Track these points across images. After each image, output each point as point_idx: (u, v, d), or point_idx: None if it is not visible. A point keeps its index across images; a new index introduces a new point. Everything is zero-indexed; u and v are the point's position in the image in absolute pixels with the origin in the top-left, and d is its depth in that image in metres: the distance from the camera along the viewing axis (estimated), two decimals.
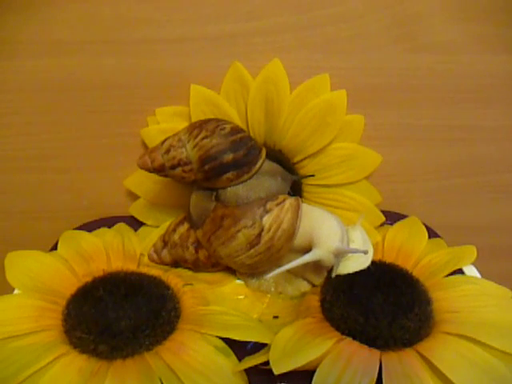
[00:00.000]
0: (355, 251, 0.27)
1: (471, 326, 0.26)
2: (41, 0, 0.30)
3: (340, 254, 0.27)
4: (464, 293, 0.29)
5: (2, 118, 0.34)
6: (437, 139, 0.36)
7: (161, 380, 0.23)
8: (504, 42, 0.33)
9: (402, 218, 0.37)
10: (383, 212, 0.37)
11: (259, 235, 0.28)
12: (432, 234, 0.36)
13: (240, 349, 0.26)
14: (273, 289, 0.31)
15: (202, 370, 0.24)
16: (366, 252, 0.27)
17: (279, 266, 0.30)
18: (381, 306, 0.28)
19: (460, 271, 0.32)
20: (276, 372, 0.23)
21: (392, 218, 0.37)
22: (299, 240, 0.28)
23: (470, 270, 0.33)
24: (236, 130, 0.30)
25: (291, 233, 0.28)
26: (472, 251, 0.33)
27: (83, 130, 0.34)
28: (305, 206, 0.29)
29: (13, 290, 0.29)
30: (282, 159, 0.34)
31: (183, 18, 0.31)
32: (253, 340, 0.26)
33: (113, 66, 0.32)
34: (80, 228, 0.36)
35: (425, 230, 0.35)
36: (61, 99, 0.33)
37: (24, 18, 0.31)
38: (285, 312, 0.30)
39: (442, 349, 0.25)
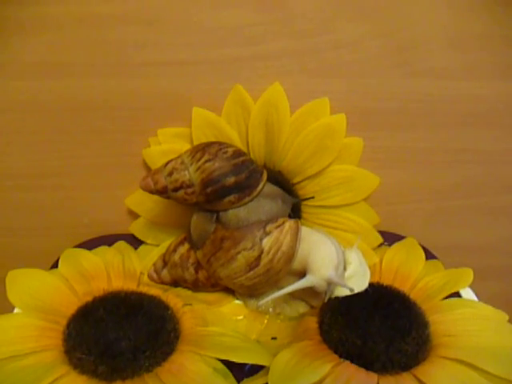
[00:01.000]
0: (345, 286, 0.28)
1: (468, 351, 0.26)
2: (47, 23, 0.31)
3: (333, 283, 0.28)
4: (461, 316, 0.30)
5: (4, 137, 0.35)
6: (434, 162, 0.37)
7: None
8: (499, 68, 0.33)
9: (400, 239, 0.37)
10: (381, 233, 0.37)
11: (259, 257, 0.29)
12: (429, 255, 0.36)
13: (238, 370, 0.26)
14: (271, 310, 0.32)
15: None
16: (352, 290, 0.28)
17: (278, 288, 0.30)
18: (378, 329, 0.28)
19: (457, 294, 0.33)
20: None
21: (390, 238, 0.37)
22: (296, 263, 0.29)
23: (467, 293, 0.33)
24: (238, 153, 0.30)
25: (290, 255, 0.29)
26: (469, 274, 0.33)
27: (85, 150, 0.35)
28: (304, 229, 0.30)
29: (13, 308, 0.29)
30: (281, 180, 0.35)
31: (186, 43, 0.32)
32: (251, 362, 0.26)
33: (116, 88, 0.33)
34: (80, 246, 0.36)
35: (422, 251, 0.36)
36: (64, 119, 0.34)
37: (30, 41, 0.31)
38: (283, 333, 0.30)
39: (439, 373, 0.25)
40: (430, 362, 0.26)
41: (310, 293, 0.29)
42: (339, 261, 0.28)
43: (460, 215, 0.39)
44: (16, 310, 0.29)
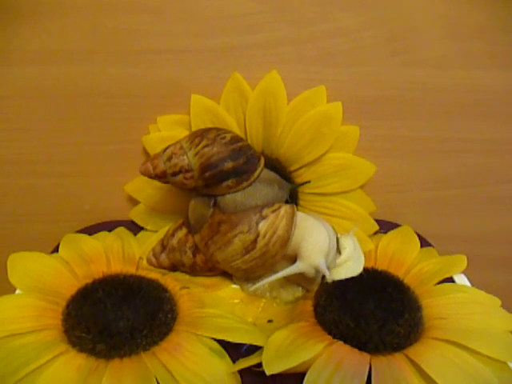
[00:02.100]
0: (330, 276, 0.28)
1: (459, 332, 0.27)
2: (48, 11, 0.31)
3: (320, 271, 0.28)
4: (453, 300, 0.30)
5: (7, 123, 0.35)
6: (431, 151, 0.37)
7: (156, 379, 0.24)
8: (495, 58, 0.34)
9: (396, 227, 0.38)
10: (377, 221, 0.38)
11: (255, 241, 0.29)
12: (424, 243, 0.37)
13: (235, 351, 0.27)
14: (268, 294, 0.32)
15: (197, 370, 0.25)
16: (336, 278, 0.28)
17: (274, 272, 0.30)
18: (372, 311, 0.28)
19: (450, 280, 0.33)
20: (268, 372, 0.23)
21: (386, 226, 0.38)
22: (290, 248, 0.29)
23: (461, 279, 0.34)
24: (236, 139, 0.31)
25: (286, 239, 0.29)
26: (462, 260, 0.34)
27: (86, 137, 0.35)
28: (299, 215, 0.30)
29: (14, 289, 0.30)
30: (279, 167, 0.35)
31: (185, 31, 0.32)
32: (247, 342, 0.27)
33: (116, 75, 0.33)
34: (81, 231, 0.36)
35: (417, 239, 0.36)
36: (65, 106, 0.34)
37: (33, 28, 0.32)
38: (279, 316, 0.31)
39: (430, 353, 0.26)
40: (421, 343, 0.27)
41: (303, 278, 0.30)
42: (330, 248, 0.29)
43: (457, 205, 0.39)
44: (17, 292, 0.30)
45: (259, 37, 0.33)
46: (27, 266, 0.31)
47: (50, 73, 0.33)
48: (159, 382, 0.24)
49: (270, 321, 0.31)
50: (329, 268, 0.29)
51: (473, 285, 0.34)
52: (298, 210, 0.36)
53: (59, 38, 0.32)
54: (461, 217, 0.40)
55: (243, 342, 0.27)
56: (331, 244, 0.29)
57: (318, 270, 0.28)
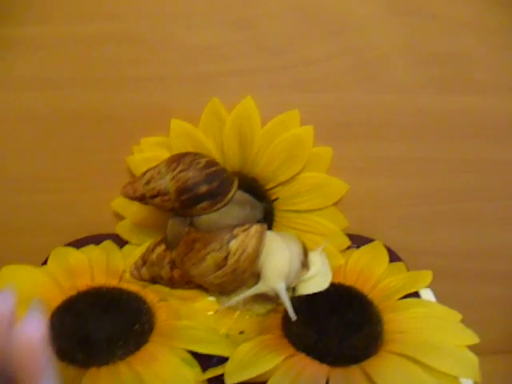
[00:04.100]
0: (288, 304, 0.30)
1: (414, 347, 0.29)
2: (39, 42, 0.34)
3: (279, 295, 0.30)
4: (414, 315, 0.32)
5: (2, 144, 0.38)
6: (400, 170, 0.39)
7: None
8: (458, 83, 0.36)
9: (369, 242, 0.40)
10: (351, 236, 0.39)
11: (226, 258, 0.31)
12: (394, 257, 0.38)
13: (206, 362, 0.29)
14: (241, 306, 0.34)
15: (168, 379, 0.27)
16: (293, 316, 0.30)
17: (246, 286, 0.33)
18: (334, 325, 0.30)
19: (416, 294, 0.35)
20: (228, 383, 0.25)
21: (358, 241, 0.40)
22: (258, 265, 0.31)
23: (427, 293, 0.36)
24: (211, 163, 0.33)
25: (255, 257, 0.31)
26: (427, 276, 0.35)
27: (76, 156, 0.38)
28: (269, 235, 0.32)
29: None
30: (255, 186, 0.37)
31: (166, 59, 0.34)
32: (215, 353, 0.29)
33: (102, 100, 0.36)
34: (70, 244, 0.39)
35: (386, 254, 0.38)
36: (56, 128, 0.37)
37: (25, 57, 0.34)
38: (250, 328, 0.33)
39: (384, 367, 0.28)
40: (378, 357, 0.29)
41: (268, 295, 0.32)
42: (291, 270, 0.30)
43: (426, 220, 0.41)
44: None
45: (235, 65, 0.35)
46: (17, 279, 0.33)
47: (40, 98, 0.36)
48: None
49: (241, 332, 0.33)
50: (289, 288, 0.31)
51: (439, 297, 0.35)
52: (274, 225, 0.39)
53: (49, 66, 0.35)
54: (431, 232, 0.41)
55: (213, 353, 0.29)
56: (293, 266, 0.31)
57: (276, 293, 0.30)
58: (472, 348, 0.29)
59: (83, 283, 0.34)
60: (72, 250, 0.37)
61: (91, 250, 0.37)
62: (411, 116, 0.37)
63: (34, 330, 0.16)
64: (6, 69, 0.35)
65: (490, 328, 0.47)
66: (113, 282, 0.35)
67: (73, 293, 0.33)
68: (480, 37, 0.34)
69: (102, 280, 0.35)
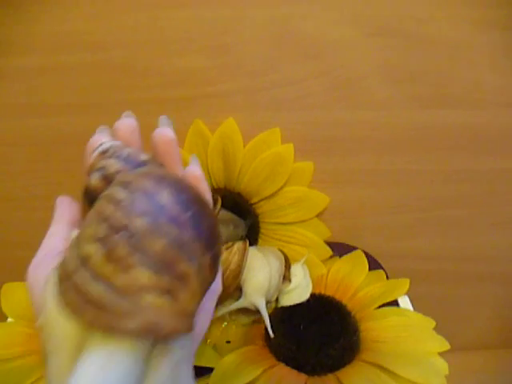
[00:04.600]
0: (267, 320, 0.32)
1: (386, 356, 0.31)
2: (31, 70, 0.36)
3: (259, 310, 0.32)
4: (390, 324, 0.34)
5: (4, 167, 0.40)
6: (379, 182, 0.40)
7: None
8: (433, 99, 0.37)
9: (350, 250, 0.41)
10: (334, 244, 0.41)
11: None
12: (375, 265, 0.40)
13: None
14: (228, 316, 0.36)
15: None
16: (271, 334, 0.31)
17: (233, 299, 0.35)
18: (313, 336, 0.33)
19: (394, 301, 0.37)
20: None
21: (340, 250, 0.41)
22: (241, 280, 0.33)
23: (404, 300, 0.38)
24: None
25: (238, 273, 0.33)
26: (405, 284, 0.37)
27: (66, 177, 0.39)
28: (251, 251, 0.34)
29: (6, 318, 0.35)
30: (240, 201, 0.39)
31: (149, 84, 0.36)
32: (201, 365, 0.31)
33: (90, 124, 0.37)
34: None
35: (366, 263, 0.40)
36: (47, 152, 0.39)
37: (14, 86, 0.36)
38: (236, 337, 0.35)
39: (357, 376, 0.30)
40: (353, 366, 0.31)
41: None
42: (271, 286, 0.32)
43: (407, 227, 0.43)
44: (9, 320, 0.34)
45: (215, 88, 0.36)
46: (18, 296, 0.36)
47: (33, 124, 0.37)
48: None
49: (228, 342, 0.35)
50: (270, 301, 0.33)
51: (419, 299, 0.37)
52: (259, 237, 0.41)
53: (38, 94, 0.36)
54: (409, 238, 0.43)
55: (199, 364, 0.31)
56: (272, 282, 0.33)
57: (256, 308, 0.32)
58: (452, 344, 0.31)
59: None
60: None
61: None
62: (388, 131, 0.38)
63: (167, 131, 0.24)
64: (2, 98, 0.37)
65: (466, 326, 0.49)
66: None
67: None
68: (453, 54, 0.35)
69: None
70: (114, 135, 0.24)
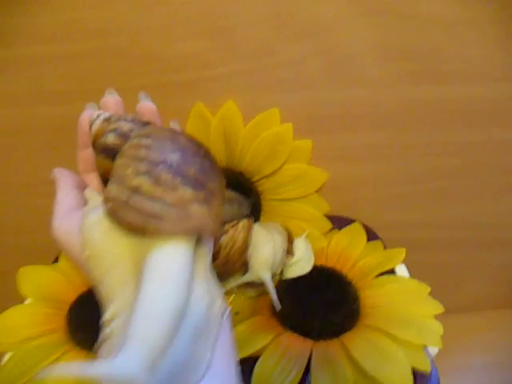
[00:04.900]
0: (273, 293, 0.33)
1: (385, 320, 0.33)
2: (36, 59, 0.36)
3: (265, 283, 0.34)
4: (388, 291, 0.36)
5: (9, 155, 0.41)
6: (375, 156, 0.42)
7: None
8: (426, 76, 0.38)
9: (349, 223, 0.43)
10: (332, 217, 0.43)
11: (218, 252, 0.35)
12: (372, 236, 0.42)
13: None
14: (236, 290, 0.38)
15: None
16: (277, 306, 0.33)
17: (240, 275, 0.37)
18: (316, 305, 0.35)
19: (391, 270, 0.39)
20: None
21: (340, 223, 0.43)
22: (247, 256, 0.35)
23: (401, 268, 0.40)
24: None
25: (243, 249, 0.35)
26: (401, 253, 0.39)
27: (73, 163, 0.41)
28: (255, 228, 0.36)
29: (24, 299, 0.36)
30: (242, 180, 0.41)
31: (152, 69, 0.37)
32: None
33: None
34: None
35: (365, 234, 0.42)
36: (54, 139, 0.40)
37: (20, 75, 0.37)
38: (244, 309, 0.37)
39: (359, 339, 0.32)
40: (355, 330, 0.33)
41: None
42: (275, 260, 0.34)
43: (402, 199, 0.45)
44: (27, 301, 0.36)
45: (215, 70, 0.37)
46: (34, 278, 0.37)
47: (39, 112, 0.38)
48: None
49: (236, 313, 0.37)
50: (275, 274, 0.35)
51: (413, 265, 0.39)
52: (262, 214, 0.42)
53: (42, 82, 0.37)
54: (405, 209, 0.45)
55: None
56: (276, 257, 0.34)
57: (263, 282, 0.34)
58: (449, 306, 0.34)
59: None
60: None
61: None
62: (383, 107, 0.39)
63: (150, 103, 0.28)
64: (6, 86, 0.38)
65: (459, 290, 0.52)
66: None
67: (84, 289, 0.37)
68: (446, 32, 0.36)
69: None
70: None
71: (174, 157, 0.22)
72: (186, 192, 0.22)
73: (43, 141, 0.40)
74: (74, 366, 0.17)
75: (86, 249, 0.23)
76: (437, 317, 0.34)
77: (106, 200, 0.23)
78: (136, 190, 0.22)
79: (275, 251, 0.34)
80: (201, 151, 0.24)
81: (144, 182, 0.22)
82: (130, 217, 0.21)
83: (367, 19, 0.36)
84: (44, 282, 0.37)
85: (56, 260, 0.40)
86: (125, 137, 0.25)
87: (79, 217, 0.25)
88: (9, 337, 0.33)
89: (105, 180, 0.27)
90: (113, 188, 0.23)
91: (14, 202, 0.43)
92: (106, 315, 0.22)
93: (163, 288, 0.20)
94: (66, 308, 0.36)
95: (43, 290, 0.37)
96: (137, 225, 0.21)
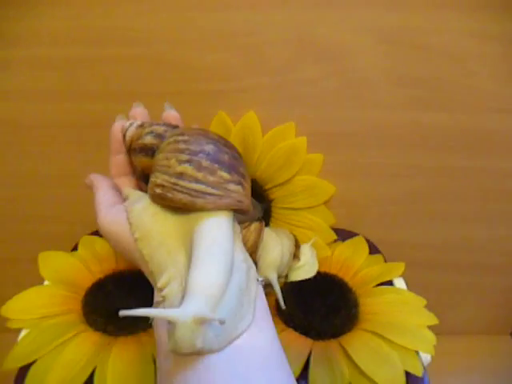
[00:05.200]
0: (278, 292, 0.35)
1: (382, 326, 0.35)
2: (73, 60, 0.39)
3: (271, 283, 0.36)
4: (386, 300, 0.38)
5: (35, 148, 0.44)
6: (382, 174, 0.45)
7: (153, 355, 0.33)
8: (432, 102, 0.41)
9: (352, 236, 0.46)
10: (337, 230, 0.46)
11: None
12: (374, 250, 0.45)
13: None
14: None
15: None
16: (282, 305, 0.34)
17: None
18: (318, 307, 0.37)
19: (390, 282, 0.41)
20: None
21: (344, 235, 0.46)
22: (256, 257, 0.38)
23: (399, 282, 0.42)
24: None
25: (254, 249, 0.37)
26: (400, 267, 0.42)
27: (96, 157, 0.42)
28: (266, 231, 0.38)
29: (42, 281, 0.39)
30: (256, 187, 0.43)
31: (179, 78, 0.40)
32: None
33: (121, 111, 0.41)
34: (95, 233, 0.45)
35: (367, 247, 0.44)
36: (79, 134, 0.43)
37: (53, 73, 0.40)
38: None
39: (357, 341, 0.34)
40: (353, 333, 0.35)
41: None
42: (282, 262, 0.36)
43: (403, 217, 0.47)
44: (46, 283, 0.38)
45: (240, 83, 0.40)
46: (54, 263, 0.39)
47: (71, 108, 0.41)
48: (154, 355, 0.32)
49: None
50: (281, 276, 0.37)
51: (410, 283, 0.42)
52: (271, 221, 0.45)
53: (74, 82, 0.40)
54: (406, 228, 0.47)
55: None
56: (284, 259, 0.37)
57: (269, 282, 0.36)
58: (434, 328, 0.36)
59: (109, 268, 0.40)
60: (98, 239, 0.43)
61: None
62: (391, 129, 0.42)
63: (174, 112, 0.34)
64: (44, 83, 0.41)
65: (454, 312, 0.54)
66: (133, 267, 0.41)
67: (101, 276, 0.39)
68: (452, 64, 0.39)
69: (125, 265, 0.41)
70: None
71: (209, 147, 0.27)
72: (223, 175, 0.27)
73: (72, 135, 0.43)
74: (152, 310, 0.22)
75: (136, 232, 0.27)
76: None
77: (155, 187, 0.27)
78: (181, 176, 0.26)
79: (283, 254, 0.36)
80: (228, 143, 0.29)
81: (187, 169, 0.26)
82: (180, 197, 0.26)
83: (382, 47, 0.39)
84: (62, 267, 0.39)
85: (75, 248, 0.42)
86: (160, 137, 0.30)
87: (121, 209, 0.29)
88: (26, 314, 0.35)
89: (143, 176, 0.31)
90: (158, 176, 0.27)
91: (42, 192, 0.46)
92: (159, 284, 0.25)
93: (214, 250, 0.24)
94: (82, 293, 0.38)
95: (61, 274, 0.39)
96: (187, 202, 0.26)
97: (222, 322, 0.22)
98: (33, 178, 0.45)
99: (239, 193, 0.27)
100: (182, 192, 0.26)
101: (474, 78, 0.40)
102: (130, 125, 0.32)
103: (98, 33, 0.38)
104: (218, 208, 0.26)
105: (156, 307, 0.26)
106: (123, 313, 0.21)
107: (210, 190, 0.26)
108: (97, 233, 0.45)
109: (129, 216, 0.28)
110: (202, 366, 0.22)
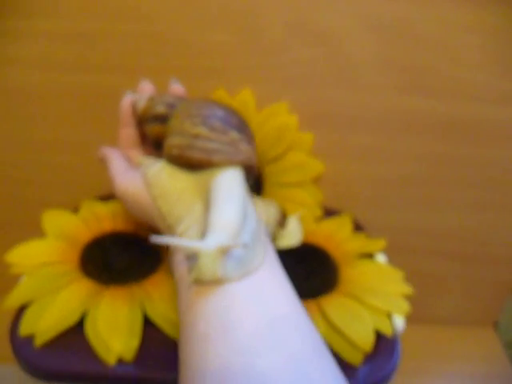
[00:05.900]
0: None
1: (358, 289, 0.37)
2: (83, 34, 0.42)
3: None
4: (365, 269, 0.40)
5: (44, 115, 0.47)
6: (368, 157, 0.47)
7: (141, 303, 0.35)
8: (418, 89, 0.44)
9: (338, 213, 0.48)
10: (326, 208, 0.48)
11: None
12: (358, 228, 0.47)
13: None
14: None
15: (172, 299, 0.36)
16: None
17: None
18: (300, 271, 0.39)
19: (371, 256, 0.43)
20: None
21: (331, 213, 0.48)
22: None
23: (380, 257, 0.44)
24: None
25: None
26: (381, 242, 0.44)
27: (103, 126, 0.46)
28: (254, 199, 0.41)
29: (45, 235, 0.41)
30: None
31: (183, 54, 0.43)
32: None
33: (125, 83, 0.42)
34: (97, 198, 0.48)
35: (351, 224, 0.46)
36: (88, 105, 0.46)
37: (63, 46, 0.43)
38: None
39: (334, 302, 0.36)
40: (332, 295, 0.37)
41: None
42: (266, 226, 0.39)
43: (389, 199, 0.49)
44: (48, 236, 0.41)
45: (237, 62, 0.43)
46: (56, 220, 0.42)
47: (79, 80, 0.45)
48: (143, 302, 0.35)
49: None
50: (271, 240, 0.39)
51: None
52: (263, 196, 0.47)
53: (82, 54, 0.43)
54: (395, 211, 0.50)
55: None
56: (268, 225, 0.39)
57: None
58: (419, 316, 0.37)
59: (108, 228, 0.43)
60: (98, 203, 0.45)
61: (114, 204, 0.46)
62: (380, 113, 0.45)
63: (180, 85, 0.37)
64: (52, 55, 0.44)
65: (437, 301, 0.56)
66: (130, 228, 0.44)
67: (99, 234, 0.42)
68: (439, 52, 0.42)
69: (122, 226, 0.43)
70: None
71: (219, 112, 0.31)
72: (235, 135, 0.30)
73: (81, 105, 0.46)
74: (177, 239, 0.25)
75: (154, 190, 0.30)
76: (409, 321, 0.37)
77: (172, 147, 0.30)
78: (196, 136, 0.30)
79: (267, 218, 0.39)
80: (235, 110, 0.32)
81: (202, 130, 0.30)
82: (198, 154, 0.30)
83: (372, 34, 0.42)
84: (63, 223, 0.42)
85: (76, 210, 0.45)
86: (171, 106, 0.33)
87: (135, 174, 0.32)
88: (26, 259, 0.38)
89: (156, 143, 0.34)
90: (174, 139, 0.30)
91: (51, 158, 0.49)
92: (178, 231, 0.28)
93: (231, 195, 0.28)
94: (80, 247, 0.40)
95: (61, 229, 0.41)
96: (203, 159, 0.29)
97: (245, 246, 0.25)
98: (37, 145, 0.48)
99: (249, 151, 0.31)
100: (198, 150, 0.29)
101: (461, 68, 0.43)
102: (141, 98, 0.35)
103: (106, 8, 0.41)
104: (233, 163, 0.29)
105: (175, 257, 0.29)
106: (154, 239, 0.24)
107: (223, 147, 0.29)
108: (99, 198, 0.48)
109: (147, 177, 0.31)
110: (222, 292, 0.25)
